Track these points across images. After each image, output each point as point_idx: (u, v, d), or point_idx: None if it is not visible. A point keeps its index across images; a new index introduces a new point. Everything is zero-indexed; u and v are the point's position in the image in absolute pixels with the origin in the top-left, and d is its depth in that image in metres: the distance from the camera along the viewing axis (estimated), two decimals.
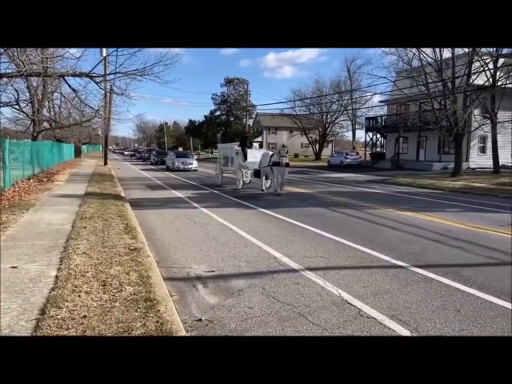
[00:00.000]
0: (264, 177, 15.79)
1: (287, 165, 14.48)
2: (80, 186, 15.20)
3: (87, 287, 4.33)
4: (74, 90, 13.96)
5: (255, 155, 16.60)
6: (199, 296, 4.64)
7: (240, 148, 17.17)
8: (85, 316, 3.60)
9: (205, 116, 66.20)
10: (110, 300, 4.02)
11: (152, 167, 35.50)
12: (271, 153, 15.39)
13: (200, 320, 3.97)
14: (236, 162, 17.27)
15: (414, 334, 3.70)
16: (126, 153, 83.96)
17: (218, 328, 3.80)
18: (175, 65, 12.74)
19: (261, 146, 20.59)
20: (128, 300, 4.01)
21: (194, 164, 29.23)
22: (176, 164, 28.69)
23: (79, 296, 4.08)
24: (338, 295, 4.66)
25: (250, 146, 17.48)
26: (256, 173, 16.25)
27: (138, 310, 3.77)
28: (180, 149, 62.61)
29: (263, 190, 15.59)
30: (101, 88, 14.66)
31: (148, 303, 3.94)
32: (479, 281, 5.12)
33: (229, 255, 6.34)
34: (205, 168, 31.41)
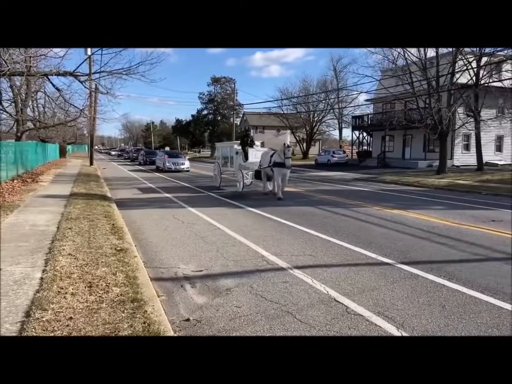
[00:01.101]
0: (265, 179, 14.57)
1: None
2: (66, 186, 15.00)
3: (73, 289, 4.28)
4: (58, 89, 13.81)
5: (257, 155, 15.04)
6: (187, 296, 4.62)
7: (240, 147, 15.58)
8: (70, 318, 3.56)
9: (192, 115, 65.94)
10: (96, 301, 3.98)
11: (141, 167, 33.97)
12: (271, 152, 13.88)
13: (188, 320, 3.96)
14: (236, 162, 15.81)
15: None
16: (113, 153, 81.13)
17: (206, 327, 3.80)
18: (161, 64, 12.71)
19: (263, 145, 19.06)
20: (115, 301, 3.97)
21: (187, 164, 27.85)
22: (167, 164, 27.18)
23: (64, 298, 4.03)
24: (326, 292, 4.69)
25: (252, 145, 15.60)
26: (257, 174, 15.04)
27: (125, 311, 3.74)
28: (167, 148, 62.16)
29: (266, 194, 14.37)
30: (85, 87, 14.53)
31: (135, 303, 3.92)
32: (463, 277, 5.20)
33: (216, 255, 6.33)
34: (194, 168, 31.07)
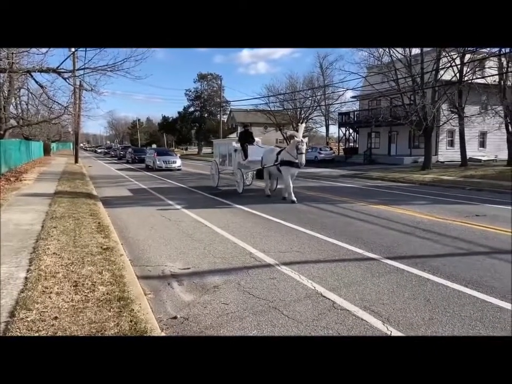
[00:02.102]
0: (268, 180, 13.33)
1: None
2: (50, 185, 14.79)
3: (58, 288, 4.23)
4: (41, 86, 13.60)
5: (257, 152, 13.68)
6: (174, 294, 4.61)
7: (239, 144, 14.20)
8: (56, 317, 3.53)
9: (179, 112, 65.44)
10: (82, 300, 3.95)
11: (129, 166, 32.63)
12: (277, 149, 12.64)
13: (175, 317, 3.95)
14: (235, 161, 14.43)
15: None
16: (99, 151, 77.67)
17: (194, 325, 3.80)
18: (146, 60, 12.67)
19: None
20: (101, 300, 3.95)
21: (178, 163, 26.51)
22: (158, 162, 25.82)
23: (49, 297, 3.99)
24: (313, 288, 4.73)
25: (252, 142, 14.23)
26: (259, 174, 13.74)
27: (111, 309, 3.72)
28: (154, 146, 61.67)
29: (268, 196, 12.97)
30: (69, 84, 14.33)
31: (122, 302, 3.90)
32: (447, 271, 5.29)
33: (204, 252, 6.32)
34: (184, 166, 29.48)
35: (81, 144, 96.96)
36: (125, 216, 9.41)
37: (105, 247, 5.96)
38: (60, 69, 12.57)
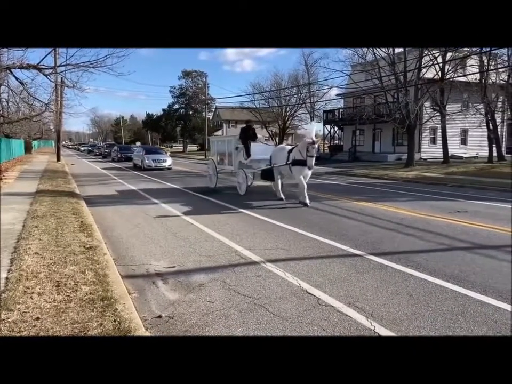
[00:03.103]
0: (279, 181, 11.92)
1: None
2: (31, 183, 14.51)
3: (39, 288, 4.16)
4: (21, 83, 13.30)
5: (261, 150, 12.60)
6: (159, 293, 4.58)
7: (240, 141, 12.97)
8: (37, 318, 3.47)
9: (163, 109, 64.89)
10: (64, 300, 3.89)
11: (115, 164, 30.84)
12: (288, 147, 11.49)
13: (160, 316, 3.92)
14: (236, 160, 13.24)
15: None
16: (82, 149, 75.12)
17: (179, 323, 3.78)
18: (129, 57, 12.46)
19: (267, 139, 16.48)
20: (84, 300, 3.89)
21: (169, 161, 25.06)
22: (147, 161, 24.22)
23: (31, 298, 3.92)
24: (298, 285, 4.75)
25: (255, 139, 12.94)
26: (265, 174, 12.45)
27: (94, 309, 3.67)
28: (138, 144, 60.97)
29: (281, 199, 11.51)
30: (51, 81, 14.06)
31: (105, 302, 3.85)
32: (429, 267, 5.38)
33: (189, 250, 6.29)
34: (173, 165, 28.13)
35: (63, 142, 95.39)
36: (109, 215, 9.31)
37: (88, 246, 5.88)
38: (41, 65, 12.34)
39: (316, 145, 10.24)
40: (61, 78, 16.18)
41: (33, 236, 6.37)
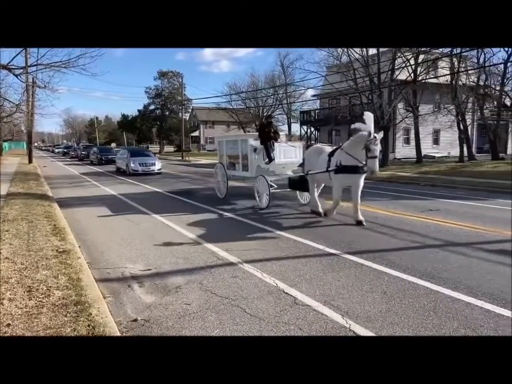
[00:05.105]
0: (314, 190, 9.52)
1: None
2: (2, 186, 14.05)
3: (10, 294, 4.05)
4: None
5: (286, 153, 10.55)
6: (134, 296, 4.52)
7: (259, 142, 10.55)
8: (8, 325, 3.38)
9: (139, 110, 63.99)
10: (36, 306, 3.80)
11: (96, 168, 27.59)
12: (328, 148, 9.13)
13: (135, 320, 3.87)
14: (253, 164, 10.67)
15: (361, 321, 3.89)
16: (57, 150, 69.06)
17: (155, 326, 3.74)
18: (103, 57, 12.27)
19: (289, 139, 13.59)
20: (57, 305, 3.81)
21: (158, 165, 21.92)
22: (133, 165, 21.05)
23: (1, 303, 3.81)
24: (275, 285, 4.77)
25: (276, 139, 10.63)
26: (295, 183, 10.40)
27: (67, 314, 3.60)
28: (113, 145, 59.82)
29: (323, 215, 8.92)
30: (21, 81, 13.70)
31: (79, 306, 3.78)
32: (403, 264, 5.49)
33: (166, 252, 6.23)
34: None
35: (36, 144, 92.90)
36: (83, 218, 9.12)
37: (61, 250, 5.75)
38: (11, 65, 12.03)
39: (378, 141, 7.57)
40: (32, 78, 15.81)
41: (3, 240, 6.17)
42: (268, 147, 10.29)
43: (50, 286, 4.30)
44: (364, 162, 7.76)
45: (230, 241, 6.84)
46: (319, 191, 9.57)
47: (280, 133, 11.39)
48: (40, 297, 3.99)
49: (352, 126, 8.15)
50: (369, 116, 8.03)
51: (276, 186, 10.43)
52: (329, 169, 8.39)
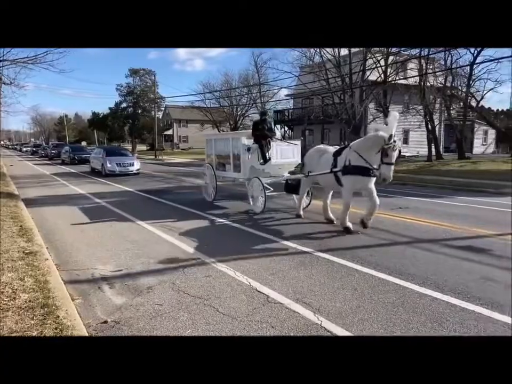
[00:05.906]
0: (305, 195, 9.26)
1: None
2: None
3: None
4: None
5: (283, 153, 9.70)
6: (104, 298, 4.44)
7: (253, 140, 9.84)
8: None
9: (110, 108, 62.58)
10: (1, 309, 3.68)
11: (68, 168, 25.97)
12: (331, 148, 8.33)
13: (105, 322, 3.80)
14: (246, 165, 9.95)
15: (332, 318, 3.94)
16: (24, 149, 65.62)
17: (125, 328, 3.69)
18: (73, 54, 11.98)
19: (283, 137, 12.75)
20: (23, 308, 3.70)
21: (136, 165, 20.72)
22: (109, 165, 19.73)
23: None
24: (248, 284, 4.79)
25: (272, 137, 9.77)
26: (291, 186, 9.43)
27: (34, 317, 3.50)
28: (84, 143, 58.35)
29: (330, 221, 8.39)
30: None
31: (46, 309, 3.68)
32: (373, 261, 5.61)
33: (138, 253, 6.14)
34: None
35: (2, 142, 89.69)
36: (51, 218, 8.87)
37: (28, 251, 5.58)
38: None
39: (397, 145, 6.76)
40: None
41: None
42: (262, 146, 9.44)
43: (16, 289, 4.17)
44: (376, 167, 6.99)
45: (202, 239, 6.80)
46: (329, 197, 8.66)
47: (277, 132, 10.48)
48: (5, 300, 3.87)
49: (370, 126, 7.54)
50: (394, 117, 7.01)
51: (272, 189, 10.04)
52: (334, 169, 7.58)
